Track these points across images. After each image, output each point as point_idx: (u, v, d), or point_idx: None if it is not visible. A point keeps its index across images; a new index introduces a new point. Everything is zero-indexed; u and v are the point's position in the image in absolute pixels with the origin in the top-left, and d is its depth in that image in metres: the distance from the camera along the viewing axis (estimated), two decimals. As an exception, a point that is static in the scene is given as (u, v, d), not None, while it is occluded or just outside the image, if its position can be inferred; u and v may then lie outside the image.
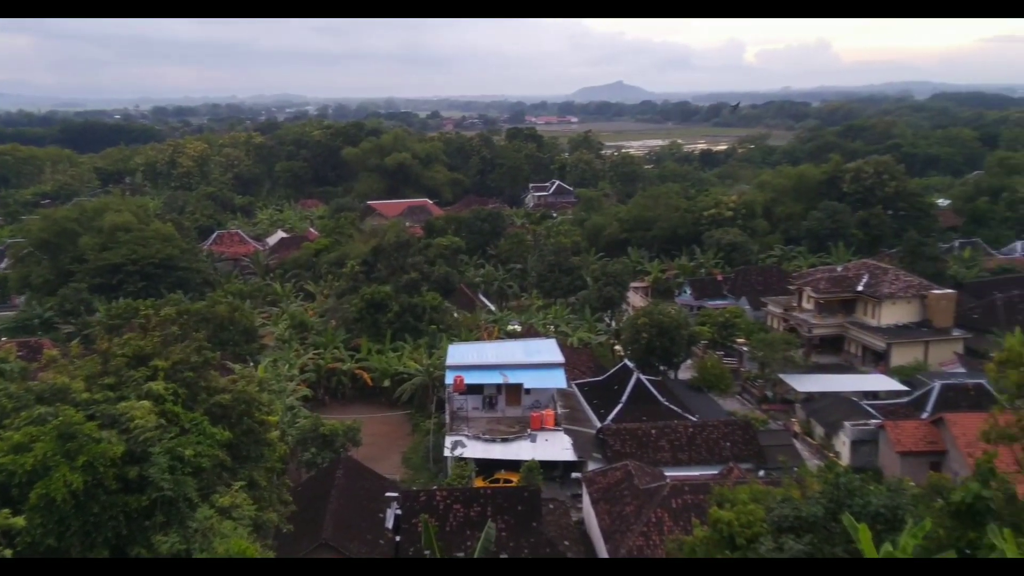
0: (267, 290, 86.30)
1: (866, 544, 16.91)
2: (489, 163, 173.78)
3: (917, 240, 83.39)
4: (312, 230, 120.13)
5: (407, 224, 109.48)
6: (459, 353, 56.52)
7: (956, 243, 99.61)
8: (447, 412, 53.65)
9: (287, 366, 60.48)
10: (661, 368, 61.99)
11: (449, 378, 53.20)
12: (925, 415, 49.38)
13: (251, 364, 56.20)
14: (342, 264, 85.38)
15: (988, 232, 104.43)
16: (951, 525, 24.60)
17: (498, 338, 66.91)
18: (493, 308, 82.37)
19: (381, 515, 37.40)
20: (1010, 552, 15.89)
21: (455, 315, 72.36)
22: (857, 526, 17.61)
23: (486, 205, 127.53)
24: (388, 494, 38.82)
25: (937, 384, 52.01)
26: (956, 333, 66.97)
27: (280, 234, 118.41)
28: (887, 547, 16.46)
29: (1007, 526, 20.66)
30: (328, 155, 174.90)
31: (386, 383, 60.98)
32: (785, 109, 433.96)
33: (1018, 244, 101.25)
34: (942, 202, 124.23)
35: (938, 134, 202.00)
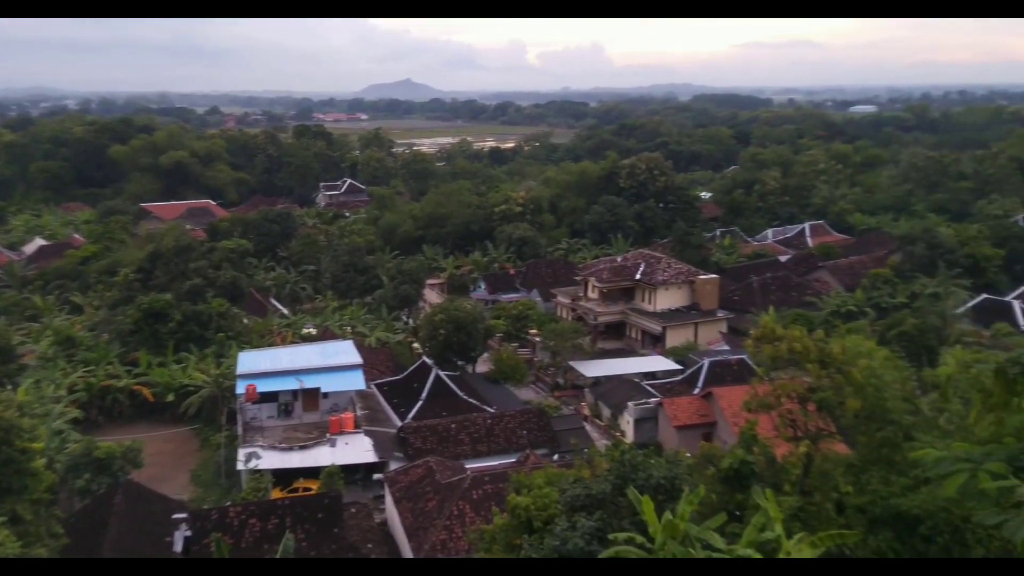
0: (25, 304, 77.96)
1: (649, 515, 18.13)
2: (276, 162, 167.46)
3: (685, 230, 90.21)
4: (77, 236, 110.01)
5: (188, 227, 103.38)
6: (250, 360, 54.11)
7: (718, 232, 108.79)
8: (239, 423, 51.26)
9: (52, 387, 54.95)
10: (459, 363, 62.64)
11: (240, 387, 50.84)
12: (697, 391, 53.61)
13: (9, 387, 50.61)
14: (114, 272, 78.90)
15: (744, 221, 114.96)
16: (721, 490, 26.96)
17: (292, 343, 64.73)
18: (286, 312, 79.60)
19: (168, 539, 35.08)
20: (772, 511, 17.66)
21: (245, 321, 69.15)
22: (641, 498, 18.86)
23: (274, 205, 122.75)
24: (175, 516, 36.46)
25: (706, 362, 56.57)
26: (720, 314, 73.20)
27: (39, 242, 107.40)
28: (667, 516, 17.73)
29: (768, 486, 22.96)
30: (93, 154, 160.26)
31: (170, 398, 57.10)
32: (566, 108, 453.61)
33: (769, 231, 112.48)
34: (705, 195, 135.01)
35: (699, 133, 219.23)
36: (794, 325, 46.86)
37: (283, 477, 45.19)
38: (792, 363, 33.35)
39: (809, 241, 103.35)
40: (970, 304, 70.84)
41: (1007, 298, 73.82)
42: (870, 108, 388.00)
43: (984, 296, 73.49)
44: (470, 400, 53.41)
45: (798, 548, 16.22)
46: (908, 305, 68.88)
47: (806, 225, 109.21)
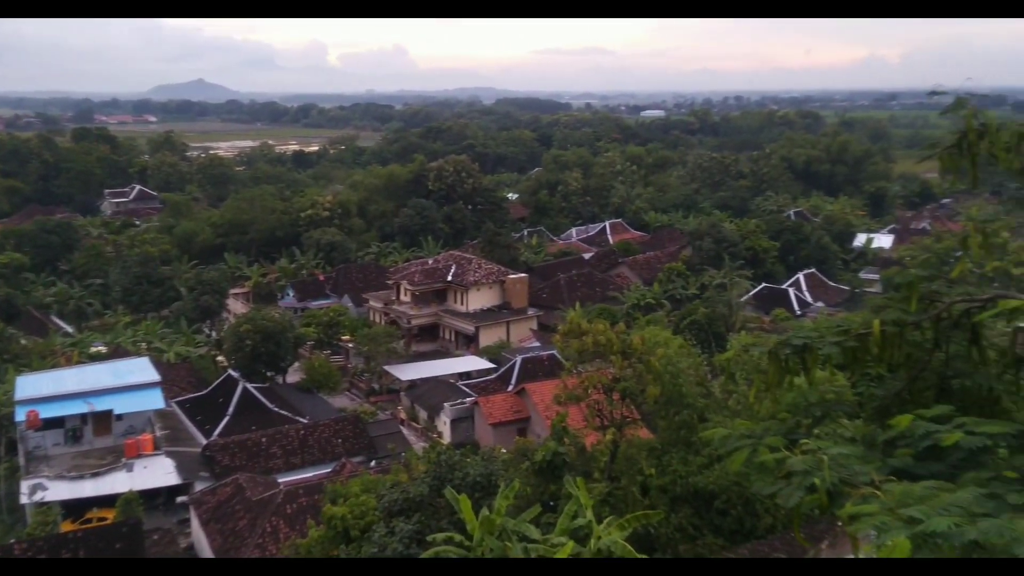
0: None
1: (467, 513, 18.33)
2: (53, 168, 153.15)
3: (493, 231, 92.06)
4: None
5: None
6: (31, 385, 49.22)
7: (525, 232, 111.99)
8: (21, 453, 46.52)
9: None
10: (269, 374, 60.45)
11: (20, 414, 46.11)
12: (510, 388, 54.89)
13: None
14: None
15: (550, 221, 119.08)
16: (536, 482, 27.79)
17: (79, 363, 59.58)
18: (71, 330, 73.17)
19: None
20: (583, 498, 18.39)
21: (23, 342, 63.01)
22: (458, 497, 19.05)
23: (53, 215, 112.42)
24: (-50, 562, 32.55)
25: (518, 359, 58.07)
26: (531, 312, 75.36)
27: None
28: (484, 512, 18.01)
29: (579, 475, 23.93)
30: None
31: (-63, 432, 50.83)
32: (371, 111, 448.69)
33: (573, 230, 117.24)
34: (512, 196, 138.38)
35: (504, 135, 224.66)
36: (598, 319, 49.14)
37: (75, 509, 41.48)
38: (598, 355, 35.01)
39: (610, 239, 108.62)
40: (752, 292, 77.62)
41: (783, 286, 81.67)
42: (659, 113, 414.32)
43: (764, 285, 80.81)
44: (281, 412, 51.57)
45: (607, 532, 16.99)
46: (699, 296, 74.23)
47: (607, 223, 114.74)
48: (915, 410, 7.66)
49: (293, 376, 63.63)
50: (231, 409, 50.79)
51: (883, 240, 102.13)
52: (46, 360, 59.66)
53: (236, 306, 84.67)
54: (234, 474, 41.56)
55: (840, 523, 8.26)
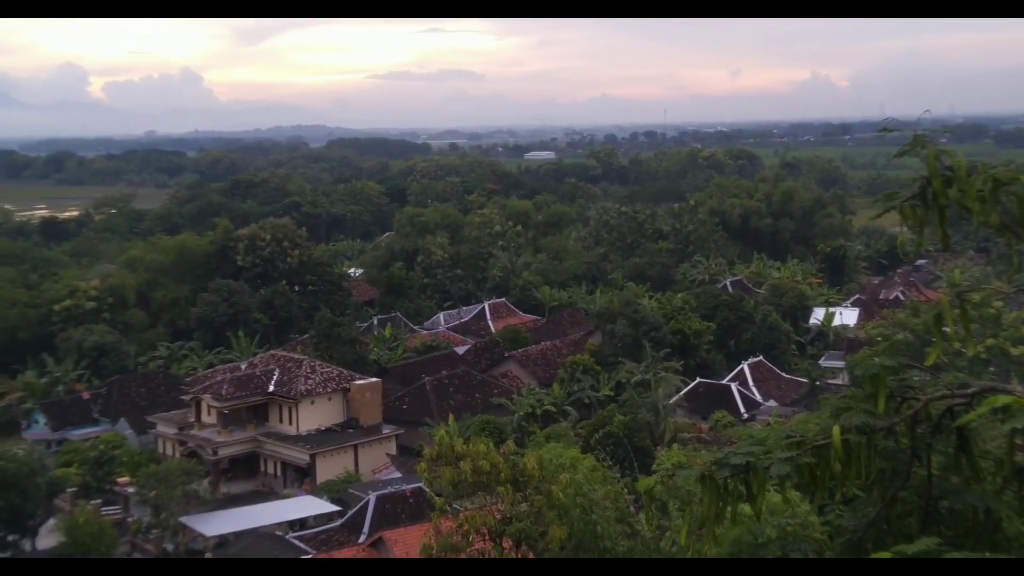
0: None
1: None
2: None
3: (331, 321, 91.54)
4: None
5: None
6: None
7: (375, 320, 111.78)
8: None
9: None
10: (10, 538, 57.57)
11: None
12: (363, 538, 53.84)
13: None
14: None
15: (408, 304, 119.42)
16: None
17: None
18: None
19: None
20: None
21: None
22: None
23: None
24: None
25: (372, 497, 57.17)
26: (386, 430, 74.81)
27: None
28: None
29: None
30: None
31: None
32: (153, 160, 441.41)
33: (441, 315, 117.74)
34: (354, 271, 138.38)
35: (341, 189, 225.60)
36: (479, 437, 49.19)
37: None
38: (480, 487, 34.99)
39: (491, 325, 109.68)
40: (684, 391, 79.79)
41: (724, 380, 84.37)
42: (549, 154, 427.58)
43: (698, 380, 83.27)
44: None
45: None
46: (614, 399, 75.51)
47: (486, 305, 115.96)
48: (895, 544, 7.98)
49: (48, 539, 60.82)
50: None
51: (847, 316, 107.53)
52: None
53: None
54: None
55: None
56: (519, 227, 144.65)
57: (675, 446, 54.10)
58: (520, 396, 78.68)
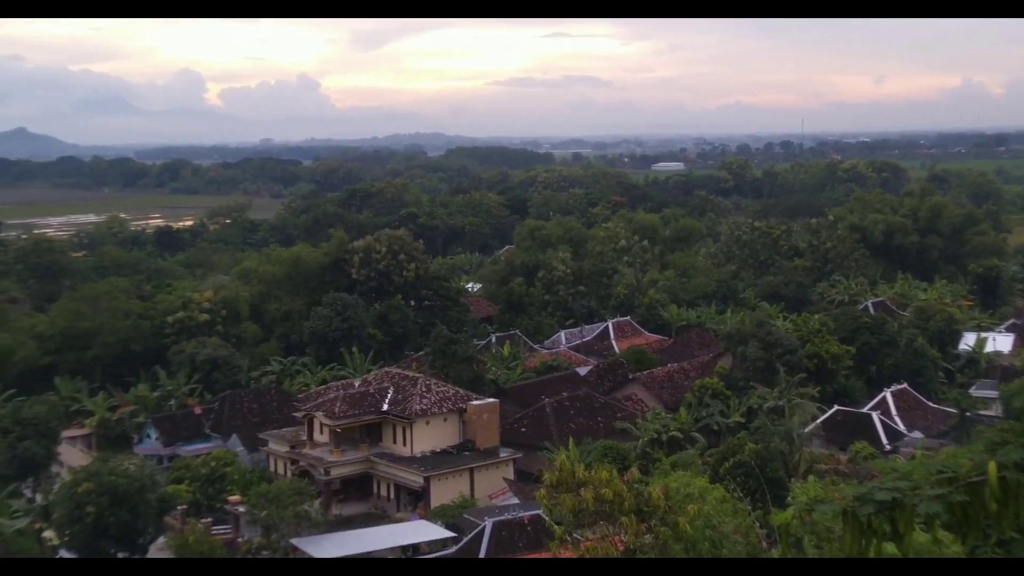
0: None
1: None
2: None
3: (447, 337, 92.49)
4: None
5: None
6: None
7: (492, 337, 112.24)
8: None
9: None
10: (120, 556, 59.51)
11: None
12: (478, 565, 54.38)
13: None
14: None
15: (528, 321, 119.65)
16: None
17: None
18: None
19: None
20: None
21: None
22: None
23: None
24: None
25: (488, 523, 57.50)
26: (504, 454, 75.10)
27: None
28: None
29: None
30: None
31: None
32: (268, 169, 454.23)
33: (562, 334, 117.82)
34: (472, 287, 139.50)
35: (459, 200, 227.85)
36: (601, 463, 49.13)
37: None
38: (602, 516, 34.99)
39: (615, 345, 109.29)
40: (821, 419, 78.19)
41: (864, 409, 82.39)
42: (677, 166, 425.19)
43: (836, 408, 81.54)
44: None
45: None
46: (745, 425, 74.49)
47: (609, 323, 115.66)
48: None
49: (158, 556, 62.49)
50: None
51: (1000, 342, 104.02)
52: None
53: (72, 455, 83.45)
54: None
55: None
56: (645, 242, 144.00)
57: (811, 478, 53.12)
58: (645, 421, 78.17)
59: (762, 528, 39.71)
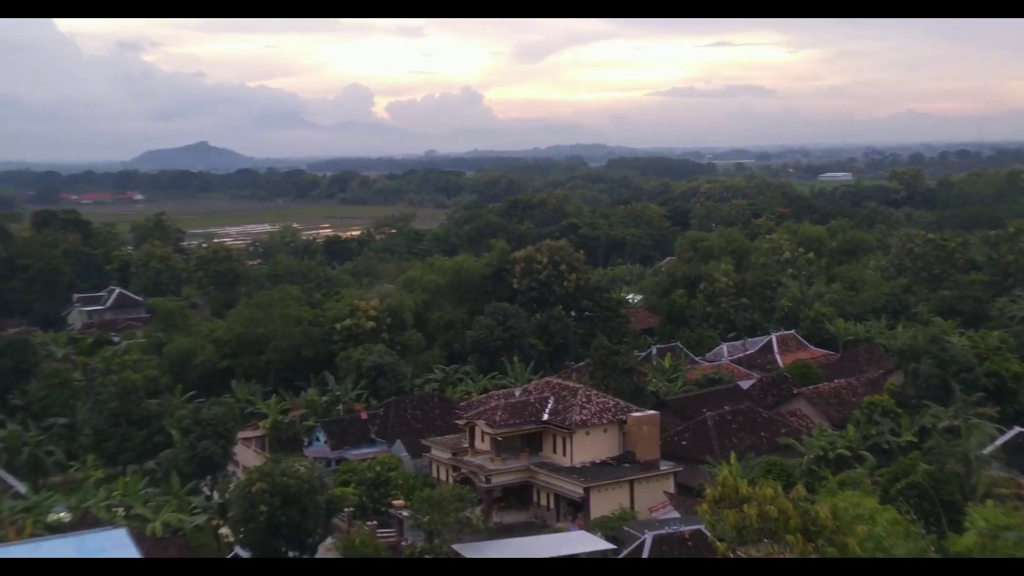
0: None
1: None
2: (6, 265, 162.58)
3: (608, 348, 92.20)
4: None
5: None
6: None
7: (653, 349, 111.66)
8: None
9: None
10: (291, 555, 61.12)
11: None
12: (638, 579, 53.92)
13: None
14: None
15: (689, 333, 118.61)
16: None
17: (33, 536, 61.70)
18: (23, 489, 76.04)
19: None
20: None
21: (-40, 505, 65.76)
22: None
23: (3, 330, 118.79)
24: None
25: (648, 536, 57.00)
26: (664, 467, 74.33)
27: None
28: None
29: None
30: None
31: None
32: (432, 180, 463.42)
33: (724, 347, 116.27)
34: (633, 298, 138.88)
35: (621, 211, 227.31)
36: (765, 480, 48.27)
37: None
38: (766, 534, 34.35)
39: (779, 359, 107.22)
40: (1000, 441, 74.73)
41: (1049, 431, 78.35)
42: (845, 176, 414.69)
43: (1018, 430, 77.73)
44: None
45: None
46: (917, 445, 72.00)
47: (773, 337, 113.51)
48: None
49: (325, 556, 63.98)
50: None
51: None
52: (-11, 532, 61.91)
53: (246, 455, 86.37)
54: None
55: None
56: (811, 254, 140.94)
57: (990, 503, 50.87)
58: (810, 437, 76.40)
59: (936, 552, 38.31)
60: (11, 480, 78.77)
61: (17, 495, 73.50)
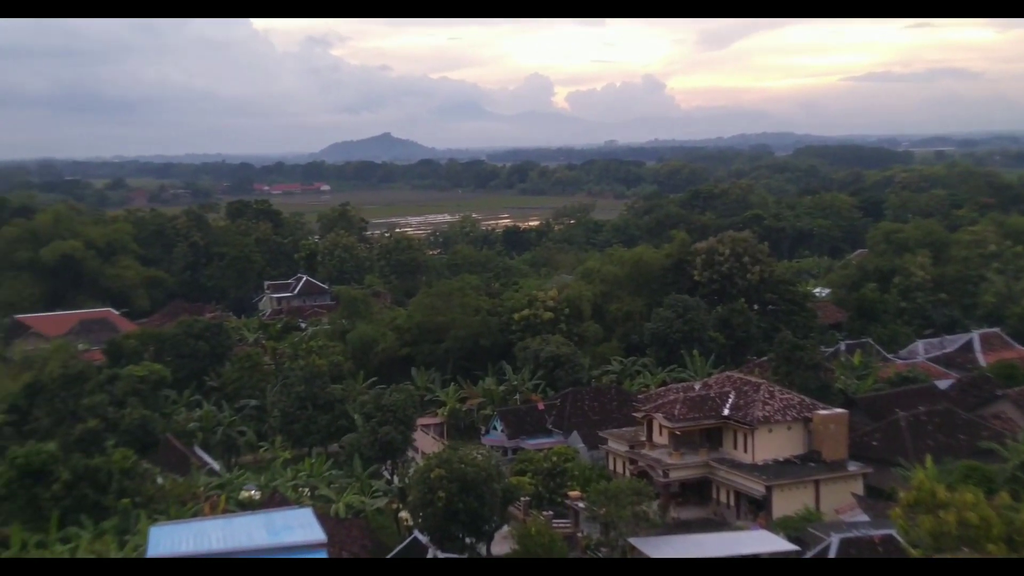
0: None
1: None
2: (203, 253, 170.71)
3: (792, 343, 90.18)
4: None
5: (80, 347, 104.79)
6: (167, 539, 53.68)
7: (842, 345, 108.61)
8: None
9: None
10: (467, 541, 62.01)
11: None
12: (823, 584, 52.48)
13: None
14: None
15: (881, 330, 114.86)
16: None
17: (226, 512, 64.52)
18: (217, 467, 79.80)
19: None
20: None
21: (159, 481, 69.21)
22: None
23: (201, 314, 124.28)
24: None
25: (835, 539, 55.49)
26: (852, 468, 72.19)
27: None
28: None
29: None
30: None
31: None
32: (611, 170, 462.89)
33: (920, 344, 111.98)
34: (820, 291, 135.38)
35: (808, 201, 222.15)
36: (965, 485, 46.17)
37: None
38: (965, 542, 32.89)
39: (981, 358, 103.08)
40: None
41: None
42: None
43: None
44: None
45: None
46: None
47: (975, 335, 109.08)
48: None
49: (501, 545, 64.68)
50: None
51: None
52: (186, 506, 65.18)
53: (425, 442, 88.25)
54: None
55: None
56: (1019, 247, 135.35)
57: None
58: (1015, 442, 72.86)
59: None
60: (206, 458, 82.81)
61: (212, 472, 77.18)
